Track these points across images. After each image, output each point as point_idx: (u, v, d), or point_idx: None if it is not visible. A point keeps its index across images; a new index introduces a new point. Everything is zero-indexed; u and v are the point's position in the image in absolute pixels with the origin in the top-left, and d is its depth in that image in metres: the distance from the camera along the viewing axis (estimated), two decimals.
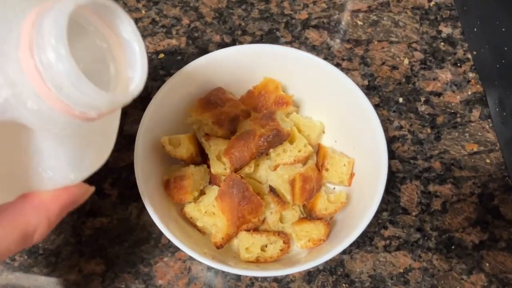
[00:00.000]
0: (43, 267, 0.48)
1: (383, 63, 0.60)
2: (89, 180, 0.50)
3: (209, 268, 0.48)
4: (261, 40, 0.61)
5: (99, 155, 0.31)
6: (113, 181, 0.52)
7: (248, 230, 0.45)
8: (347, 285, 0.48)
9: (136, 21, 0.62)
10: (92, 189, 0.31)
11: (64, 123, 0.24)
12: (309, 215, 0.47)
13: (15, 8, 0.23)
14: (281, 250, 0.45)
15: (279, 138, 0.45)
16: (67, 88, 0.22)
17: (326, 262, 0.49)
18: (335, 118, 0.51)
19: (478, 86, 0.58)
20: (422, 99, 0.58)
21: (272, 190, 0.46)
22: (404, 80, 0.59)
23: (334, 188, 0.50)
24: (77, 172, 0.29)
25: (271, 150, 0.46)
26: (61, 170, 0.27)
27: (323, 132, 0.52)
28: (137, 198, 0.42)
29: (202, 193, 0.48)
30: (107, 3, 0.24)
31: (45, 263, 0.48)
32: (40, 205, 0.28)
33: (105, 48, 0.27)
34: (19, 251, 0.33)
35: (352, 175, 0.48)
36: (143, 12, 0.62)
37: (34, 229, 0.27)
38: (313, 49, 0.61)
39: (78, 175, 0.29)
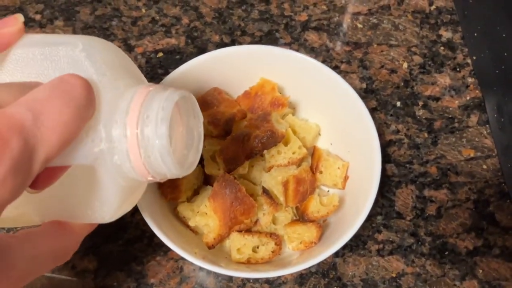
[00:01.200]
0: None
1: (382, 67, 0.60)
2: None
3: (201, 268, 0.48)
4: (260, 41, 0.61)
5: (134, 202, 0.34)
6: None
7: (240, 231, 0.45)
8: None
9: (136, 19, 0.62)
10: None
11: (132, 179, 0.29)
12: (301, 217, 0.47)
13: (123, 80, 0.29)
14: (272, 252, 0.45)
15: (273, 139, 0.45)
16: (154, 158, 0.28)
17: (319, 265, 0.49)
18: (331, 121, 0.51)
19: (477, 91, 0.58)
20: (420, 103, 0.57)
21: (265, 191, 0.46)
22: (402, 84, 0.59)
23: (328, 191, 0.50)
24: (113, 216, 0.31)
25: (265, 151, 0.46)
26: (102, 212, 0.30)
27: (319, 134, 0.52)
28: None
29: (196, 192, 0.48)
30: (194, 100, 0.33)
31: None
32: (73, 232, 0.31)
33: None
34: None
35: (346, 178, 0.48)
36: (143, 10, 0.62)
37: (66, 252, 0.31)
38: (312, 51, 0.60)
39: (112, 217, 0.32)
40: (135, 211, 0.50)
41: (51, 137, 0.22)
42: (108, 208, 0.30)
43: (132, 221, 0.50)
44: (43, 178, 0.26)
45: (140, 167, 0.28)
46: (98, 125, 0.26)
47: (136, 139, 0.27)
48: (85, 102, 0.24)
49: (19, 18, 0.28)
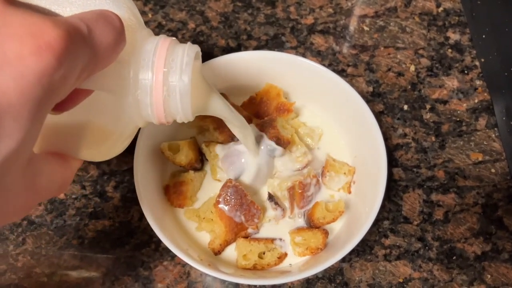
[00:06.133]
0: (45, 268, 0.49)
1: (389, 70, 0.59)
2: (94, 182, 0.50)
3: None
4: (266, 45, 0.61)
5: (123, 148, 0.36)
6: (116, 184, 0.52)
7: (246, 237, 0.45)
8: None
9: None
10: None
11: (143, 119, 0.32)
12: (307, 223, 0.47)
13: (145, 28, 0.32)
14: (278, 258, 0.45)
15: (279, 145, 0.45)
16: (173, 98, 0.31)
17: (325, 270, 0.49)
18: (337, 126, 0.51)
19: (485, 94, 0.58)
20: (428, 106, 0.57)
21: (271, 197, 0.46)
22: (409, 87, 0.58)
23: (334, 196, 0.50)
24: (107, 155, 0.35)
25: None
26: (103, 147, 0.33)
27: (325, 139, 0.51)
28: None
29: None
30: (199, 57, 0.35)
31: (47, 263, 0.49)
32: (73, 165, 0.32)
33: None
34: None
35: (352, 183, 0.48)
36: (150, 15, 0.63)
37: (66, 183, 0.31)
38: (319, 54, 0.60)
39: (106, 157, 0.35)
40: (142, 215, 0.50)
41: (98, 51, 0.24)
42: (109, 145, 0.33)
43: (139, 226, 0.50)
44: (66, 99, 0.27)
45: (159, 104, 0.31)
46: (128, 60, 0.29)
47: (162, 77, 0.30)
48: (122, 32, 0.26)
49: None
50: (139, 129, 0.44)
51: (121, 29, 0.26)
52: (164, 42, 0.31)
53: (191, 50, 0.32)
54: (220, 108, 0.40)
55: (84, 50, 0.23)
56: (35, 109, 0.21)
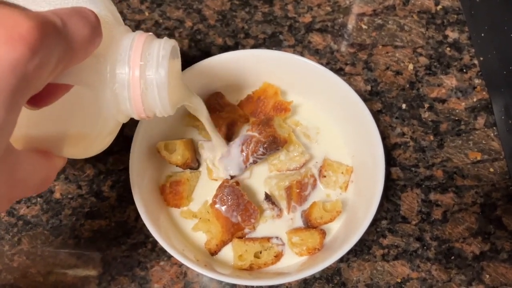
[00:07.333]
0: (41, 268, 0.48)
1: (387, 68, 0.59)
2: (90, 181, 0.50)
3: None
4: (264, 43, 0.60)
5: (105, 146, 0.36)
6: (112, 184, 0.52)
7: (241, 237, 0.44)
8: None
9: (139, 23, 0.62)
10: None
11: (123, 114, 0.33)
12: (305, 223, 0.47)
13: (122, 25, 0.33)
14: (275, 256, 0.44)
15: (276, 145, 0.45)
16: (151, 91, 0.31)
17: (323, 270, 0.48)
18: (334, 125, 0.50)
19: (484, 93, 0.57)
20: (426, 105, 0.57)
21: (268, 197, 0.45)
22: (408, 85, 0.58)
23: (331, 196, 0.50)
24: (88, 152, 0.35)
25: (267, 156, 0.46)
26: (83, 144, 0.34)
27: (322, 138, 0.51)
28: None
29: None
30: (177, 49, 0.36)
31: (43, 263, 0.49)
32: (56, 163, 0.33)
33: None
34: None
35: (350, 183, 0.48)
36: (147, 14, 0.62)
37: (48, 180, 0.31)
38: (316, 53, 0.60)
39: (87, 154, 0.35)
40: (139, 216, 0.50)
41: (74, 44, 0.24)
42: (90, 142, 0.34)
43: (136, 226, 0.50)
44: (45, 94, 0.28)
45: (137, 98, 0.31)
46: (105, 55, 0.29)
47: (138, 71, 0.30)
48: (98, 27, 0.26)
49: None
50: (135, 128, 0.44)
51: (97, 24, 0.26)
52: (140, 37, 0.31)
53: (167, 44, 0.32)
54: (197, 103, 0.41)
55: (58, 42, 0.23)
56: (9, 99, 0.21)
